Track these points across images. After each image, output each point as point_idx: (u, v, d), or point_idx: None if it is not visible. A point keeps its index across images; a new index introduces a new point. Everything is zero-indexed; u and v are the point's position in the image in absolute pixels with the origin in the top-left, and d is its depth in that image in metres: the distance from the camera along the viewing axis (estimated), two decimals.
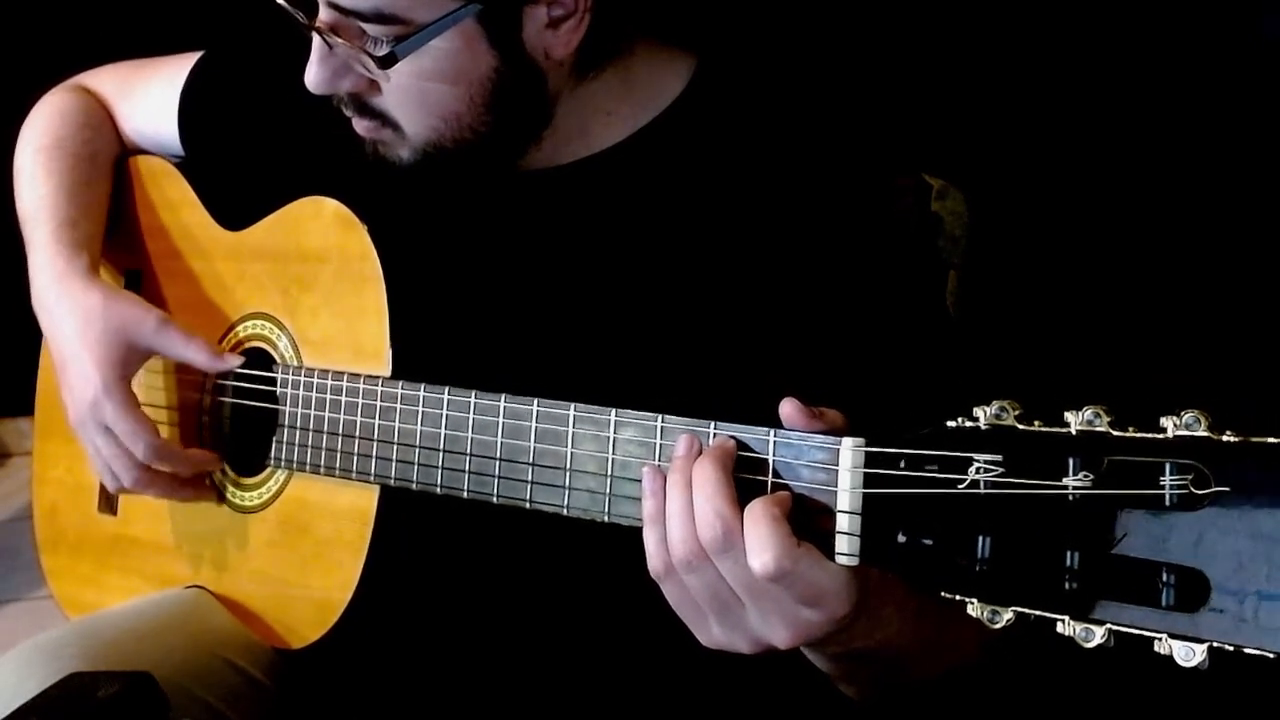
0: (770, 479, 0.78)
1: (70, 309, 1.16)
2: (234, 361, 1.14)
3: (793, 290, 0.98)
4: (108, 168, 1.30)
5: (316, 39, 0.98)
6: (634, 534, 0.85)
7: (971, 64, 1.83)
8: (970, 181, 1.23)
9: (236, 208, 1.21)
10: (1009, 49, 1.83)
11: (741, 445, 0.80)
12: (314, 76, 0.99)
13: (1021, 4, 1.84)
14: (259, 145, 1.21)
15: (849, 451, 0.75)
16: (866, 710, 0.99)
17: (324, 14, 0.96)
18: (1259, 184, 1.77)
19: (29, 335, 1.20)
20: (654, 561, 0.82)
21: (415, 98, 0.98)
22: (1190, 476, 0.64)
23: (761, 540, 0.75)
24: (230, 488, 1.17)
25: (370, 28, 0.94)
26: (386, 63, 0.94)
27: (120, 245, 1.29)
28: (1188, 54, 1.79)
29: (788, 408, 0.79)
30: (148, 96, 1.31)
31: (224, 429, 1.20)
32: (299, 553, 1.10)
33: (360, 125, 1.03)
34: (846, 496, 0.74)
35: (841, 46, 1.80)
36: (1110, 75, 1.81)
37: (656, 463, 0.84)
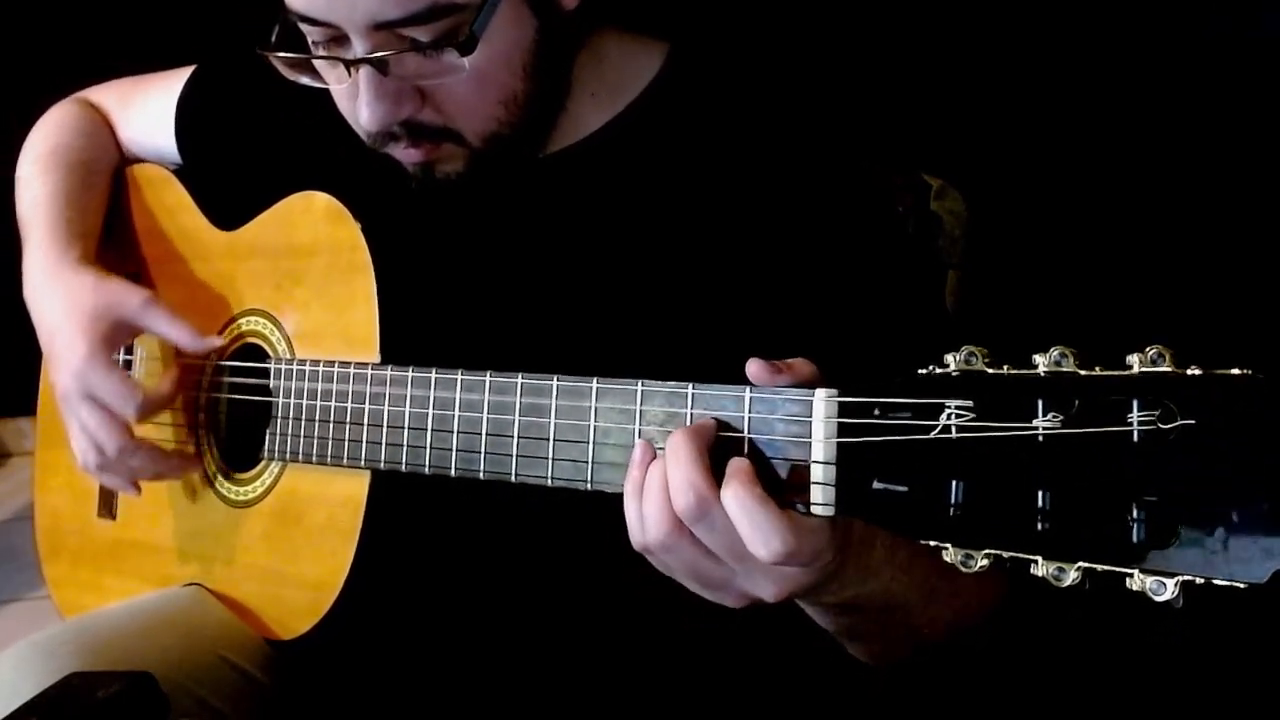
0: (746, 435, 0.79)
1: (60, 292, 1.17)
2: (217, 341, 1.16)
3: (774, 274, 0.99)
4: (105, 174, 1.32)
5: (365, 74, 0.94)
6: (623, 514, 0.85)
7: (970, 64, 1.84)
8: (969, 181, 1.24)
9: (233, 211, 1.22)
10: (1008, 49, 1.84)
11: (721, 423, 0.80)
12: (373, 113, 0.95)
13: (1020, 4, 1.85)
14: (253, 149, 1.23)
15: (822, 402, 0.75)
16: (875, 682, 0.99)
17: (363, 45, 0.93)
18: (1258, 182, 1.77)
19: (30, 336, 1.21)
20: (634, 535, 0.82)
21: (478, 88, 0.96)
22: (1157, 412, 0.64)
23: (765, 533, 0.74)
24: (226, 483, 1.18)
25: (422, 32, 0.91)
26: (467, 48, 0.91)
27: (118, 250, 1.30)
28: (1186, 52, 1.80)
29: (753, 367, 0.78)
30: (146, 107, 1.34)
31: (220, 425, 1.21)
32: (292, 542, 1.10)
33: (415, 153, 1.00)
34: (821, 447, 0.75)
35: (843, 48, 1.81)
36: (1108, 75, 1.81)
37: (638, 428, 0.84)
